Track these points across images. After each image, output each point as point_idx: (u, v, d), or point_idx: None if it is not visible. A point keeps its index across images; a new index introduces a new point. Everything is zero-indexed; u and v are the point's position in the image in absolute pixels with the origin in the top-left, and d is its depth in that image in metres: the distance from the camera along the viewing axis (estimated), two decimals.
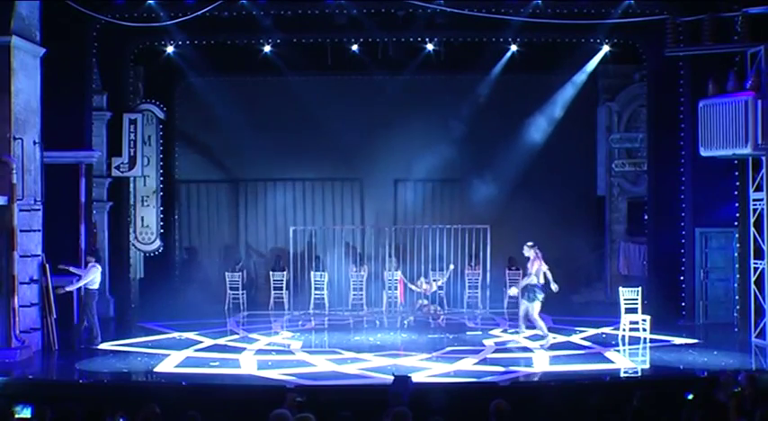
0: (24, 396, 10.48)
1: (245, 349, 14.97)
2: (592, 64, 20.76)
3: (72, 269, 15.28)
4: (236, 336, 16.54)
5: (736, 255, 16.24)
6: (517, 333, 15.53)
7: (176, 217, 22.24)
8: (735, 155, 15.00)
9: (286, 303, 20.34)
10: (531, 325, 15.22)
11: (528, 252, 15.29)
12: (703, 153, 15.33)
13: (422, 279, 18.80)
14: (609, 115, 21.96)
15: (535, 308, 14.93)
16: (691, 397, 8.76)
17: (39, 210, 14.81)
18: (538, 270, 14.99)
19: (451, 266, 19.17)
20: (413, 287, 18.37)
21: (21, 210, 14.15)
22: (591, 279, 22.41)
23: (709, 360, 13.75)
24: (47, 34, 15.14)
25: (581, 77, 21.07)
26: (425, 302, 17.83)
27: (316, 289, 20.23)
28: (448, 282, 19.67)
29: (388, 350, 14.84)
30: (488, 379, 12.52)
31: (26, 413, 9.08)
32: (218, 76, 21.16)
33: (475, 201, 21.44)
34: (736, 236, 16.20)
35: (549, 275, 15.07)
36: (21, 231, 14.12)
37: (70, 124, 16.81)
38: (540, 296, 14.91)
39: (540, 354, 14.22)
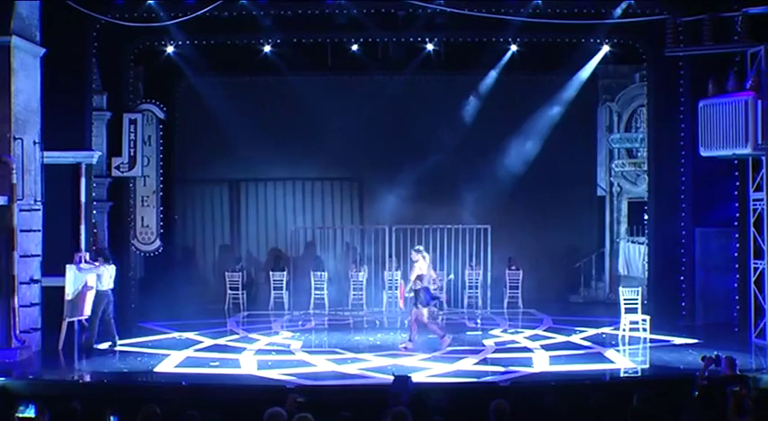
0: (24, 396, 10.47)
1: (245, 349, 14.98)
2: (592, 64, 20.77)
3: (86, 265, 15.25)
4: (236, 336, 16.54)
5: (736, 255, 16.23)
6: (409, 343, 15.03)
7: (176, 217, 22.25)
8: (735, 155, 15.00)
9: (286, 303, 20.35)
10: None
11: (416, 256, 15.13)
12: (703, 153, 15.33)
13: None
14: (609, 115, 21.99)
15: (425, 313, 14.84)
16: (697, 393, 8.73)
17: (39, 210, 14.80)
18: (428, 275, 14.87)
19: (451, 276, 19.42)
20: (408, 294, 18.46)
21: (21, 210, 14.14)
22: (591, 279, 22.44)
23: None
24: (47, 34, 15.13)
25: (581, 77, 21.07)
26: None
27: (316, 289, 20.24)
28: (448, 282, 19.76)
29: (388, 350, 14.85)
30: (488, 379, 12.53)
31: (30, 412, 9.06)
32: (218, 76, 21.16)
33: (475, 201, 21.44)
34: (736, 236, 16.19)
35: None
36: (21, 231, 14.12)
37: (70, 124, 16.79)
38: (433, 302, 14.82)
39: (540, 354, 14.22)
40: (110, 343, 15.08)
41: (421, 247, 15.69)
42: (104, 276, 15.10)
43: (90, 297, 15.15)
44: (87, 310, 15.21)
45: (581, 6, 17.52)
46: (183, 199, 22.54)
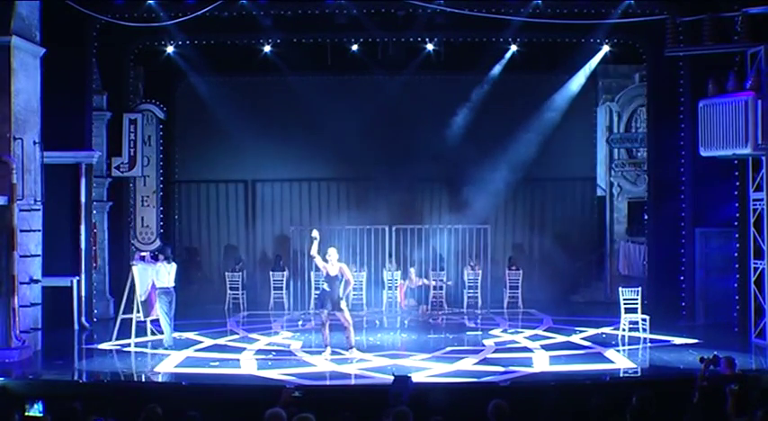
0: (25, 396, 10.46)
1: (245, 349, 14.97)
2: (592, 64, 20.77)
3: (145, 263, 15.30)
4: (236, 336, 16.54)
5: (736, 255, 16.24)
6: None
7: (176, 217, 22.25)
8: (735, 155, 14.99)
9: (286, 303, 20.35)
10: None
11: (334, 255, 14.82)
12: (703, 153, 15.33)
13: (412, 270, 19.00)
14: (609, 115, 21.98)
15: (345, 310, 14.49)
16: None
17: (39, 210, 14.79)
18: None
19: (449, 282, 19.58)
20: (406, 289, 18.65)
21: (21, 210, 14.13)
22: (591, 279, 22.43)
23: None
24: (47, 34, 15.13)
25: (581, 77, 21.07)
26: (413, 302, 18.20)
27: (315, 289, 20.21)
28: (447, 287, 19.90)
29: (388, 350, 14.85)
30: (488, 379, 12.52)
31: (36, 411, 9.04)
32: (218, 76, 21.15)
33: (475, 201, 21.44)
34: (736, 236, 16.19)
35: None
36: (21, 231, 14.10)
37: (70, 124, 16.82)
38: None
39: (540, 354, 14.22)
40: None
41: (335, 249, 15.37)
42: (162, 272, 15.04)
43: (154, 297, 15.13)
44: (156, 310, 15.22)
45: (581, 6, 17.54)
46: (182, 199, 22.54)
